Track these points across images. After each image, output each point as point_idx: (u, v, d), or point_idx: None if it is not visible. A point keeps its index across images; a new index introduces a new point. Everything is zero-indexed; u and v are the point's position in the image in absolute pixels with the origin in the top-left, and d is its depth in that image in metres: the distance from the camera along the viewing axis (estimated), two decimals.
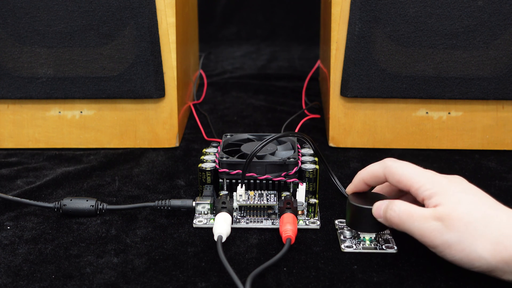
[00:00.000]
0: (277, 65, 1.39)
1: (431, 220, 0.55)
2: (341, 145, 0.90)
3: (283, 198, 0.67)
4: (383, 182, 0.63)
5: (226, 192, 0.70)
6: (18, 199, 0.72)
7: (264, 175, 0.70)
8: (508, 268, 0.53)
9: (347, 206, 0.63)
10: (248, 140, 0.78)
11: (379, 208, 0.60)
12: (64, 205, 0.69)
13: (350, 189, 0.66)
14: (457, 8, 0.82)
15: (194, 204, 0.69)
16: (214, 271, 0.59)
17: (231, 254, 0.62)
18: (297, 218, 0.66)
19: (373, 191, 0.66)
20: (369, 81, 0.85)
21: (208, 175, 0.71)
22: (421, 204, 0.59)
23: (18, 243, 0.64)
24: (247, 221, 0.68)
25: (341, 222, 0.68)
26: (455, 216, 0.54)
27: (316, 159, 0.73)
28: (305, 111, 1.05)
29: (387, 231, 0.65)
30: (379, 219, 0.60)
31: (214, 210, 0.68)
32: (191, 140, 0.93)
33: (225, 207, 0.66)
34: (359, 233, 0.65)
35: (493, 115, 0.87)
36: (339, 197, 0.75)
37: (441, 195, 0.56)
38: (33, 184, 0.78)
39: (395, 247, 0.62)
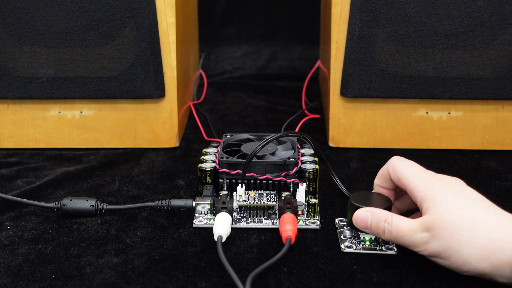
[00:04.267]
0: (277, 65, 1.39)
1: (420, 232, 0.56)
2: (341, 145, 0.90)
3: (283, 198, 0.67)
4: (391, 180, 0.63)
5: (226, 192, 0.70)
6: (18, 199, 0.72)
7: (264, 175, 0.70)
8: (497, 273, 0.53)
9: (349, 206, 0.63)
10: (248, 140, 0.78)
11: (365, 220, 0.60)
12: (64, 205, 0.69)
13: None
14: (457, 8, 0.82)
15: (194, 204, 0.69)
16: (214, 271, 0.59)
17: (231, 254, 0.62)
18: (297, 218, 0.66)
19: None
20: (369, 81, 0.85)
21: (208, 175, 0.71)
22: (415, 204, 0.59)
23: (18, 243, 0.65)
24: (247, 221, 0.68)
25: (341, 221, 0.68)
26: (441, 225, 0.54)
27: (316, 159, 0.73)
28: (305, 111, 1.05)
29: None
30: (366, 231, 0.61)
31: (214, 210, 0.68)
32: (191, 140, 0.93)
33: (225, 207, 0.66)
34: (359, 233, 0.65)
35: (493, 115, 0.87)
36: (339, 197, 0.75)
37: (431, 200, 0.56)
38: (33, 184, 0.78)
39: (395, 249, 0.62)
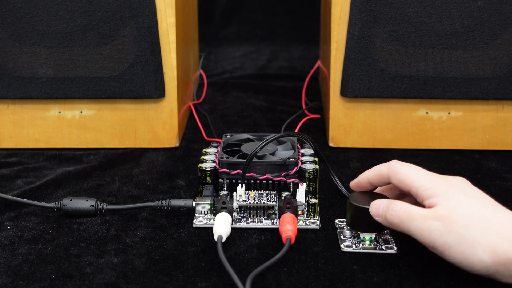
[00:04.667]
0: (277, 65, 1.39)
1: (431, 220, 0.55)
2: (341, 145, 0.90)
3: (283, 198, 0.67)
4: (387, 183, 0.63)
5: (226, 192, 0.70)
6: (18, 199, 0.72)
7: (264, 175, 0.70)
8: (508, 272, 0.53)
9: (348, 206, 0.63)
10: (248, 140, 0.78)
11: (378, 207, 0.60)
12: (64, 205, 0.69)
13: (353, 184, 0.67)
14: (457, 8, 0.82)
15: (194, 204, 0.69)
16: (214, 271, 0.59)
17: (231, 254, 0.62)
18: (297, 218, 0.66)
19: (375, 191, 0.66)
20: (369, 81, 0.85)
21: (208, 175, 0.71)
22: (421, 205, 0.59)
23: (18, 243, 0.64)
24: (247, 221, 0.68)
25: (341, 221, 0.68)
26: (455, 217, 0.54)
27: (316, 159, 0.73)
28: (305, 111, 1.05)
29: (387, 232, 0.65)
30: (377, 219, 0.60)
31: (214, 210, 0.68)
32: (191, 140, 0.93)
33: (225, 207, 0.66)
34: (359, 233, 0.65)
35: (493, 115, 0.87)
36: (339, 197, 0.75)
37: (439, 197, 0.56)
38: (33, 184, 0.78)
39: (395, 248, 0.62)
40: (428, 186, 0.57)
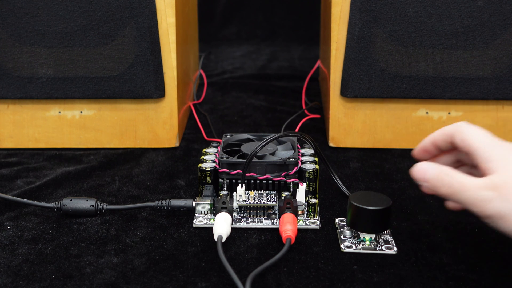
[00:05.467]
0: (277, 65, 1.39)
1: (485, 190, 0.52)
2: (341, 145, 0.90)
3: (283, 198, 0.67)
4: (450, 143, 0.60)
5: (226, 192, 0.70)
6: (18, 199, 0.72)
7: (264, 175, 0.70)
8: None
9: (348, 206, 0.63)
10: (248, 140, 0.78)
11: (425, 171, 0.56)
12: (64, 205, 0.69)
13: (417, 149, 0.63)
14: (457, 8, 0.82)
15: (194, 204, 0.69)
16: (214, 271, 0.59)
17: (231, 254, 0.62)
18: (297, 218, 0.66)
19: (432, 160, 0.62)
20: (369, 81, 0.85)
21: (208, 175, 0.71)
22: (476, 172, 0.57)
23: (18, 243, 0.65)
24: (247, 221, 0.68)
25: (341, 221, 0.68)
26: (511, 186, 0.51)
27: (316, 159, 0.73)
28: (305, 111, 1.05)
29: (387, 232, 0.65)
30: (423, 183, 0.56)
31: (214, 210, 0.68)
32: (191, 140, 0.93)
33: (225, 207, 0.66)
34: (359, 233, 0.65)
35: (493, 115, 0.87)
36: (339, 197, 0.75)
37: (497, 162, 0.53)
38: (33, 184, 0.78)
39: (395, 248, 0.62)
40: (488, 149, 0.55)
